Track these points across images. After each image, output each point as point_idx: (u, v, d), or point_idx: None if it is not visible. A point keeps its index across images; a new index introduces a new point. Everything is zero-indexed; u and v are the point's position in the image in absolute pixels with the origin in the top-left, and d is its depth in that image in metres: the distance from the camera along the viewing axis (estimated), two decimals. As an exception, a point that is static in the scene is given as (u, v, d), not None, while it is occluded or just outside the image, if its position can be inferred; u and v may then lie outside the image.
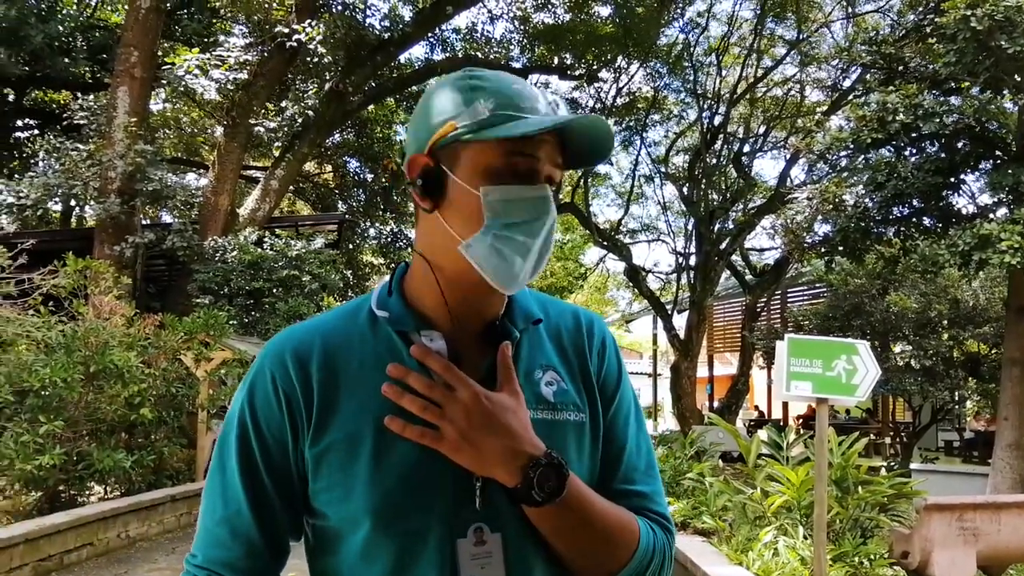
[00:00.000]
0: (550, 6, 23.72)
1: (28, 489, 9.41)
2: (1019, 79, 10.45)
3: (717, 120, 23.74)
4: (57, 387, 9.10)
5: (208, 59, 16.81)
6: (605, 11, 23.69)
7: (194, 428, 12.10)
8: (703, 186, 23.44)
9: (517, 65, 23.18)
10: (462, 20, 27.24)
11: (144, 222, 17.90)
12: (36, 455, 8.66)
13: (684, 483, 9.86)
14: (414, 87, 24.28)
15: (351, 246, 25.35)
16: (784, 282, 23.25)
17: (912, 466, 14.25)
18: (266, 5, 17.49)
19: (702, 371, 27.34)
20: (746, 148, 24.57)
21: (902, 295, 16.06)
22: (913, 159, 11.58)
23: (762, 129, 24.64)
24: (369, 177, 26.46)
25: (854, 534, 7.30)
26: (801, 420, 22.11)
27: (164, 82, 17.21)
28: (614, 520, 1.38)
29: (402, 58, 23.25)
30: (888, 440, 19.73)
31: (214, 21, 20.36)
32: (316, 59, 18.46)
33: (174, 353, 11.74)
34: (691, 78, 24.27)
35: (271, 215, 19.31)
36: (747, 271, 25.25)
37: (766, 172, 68.80)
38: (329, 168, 27.63)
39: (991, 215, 11.13)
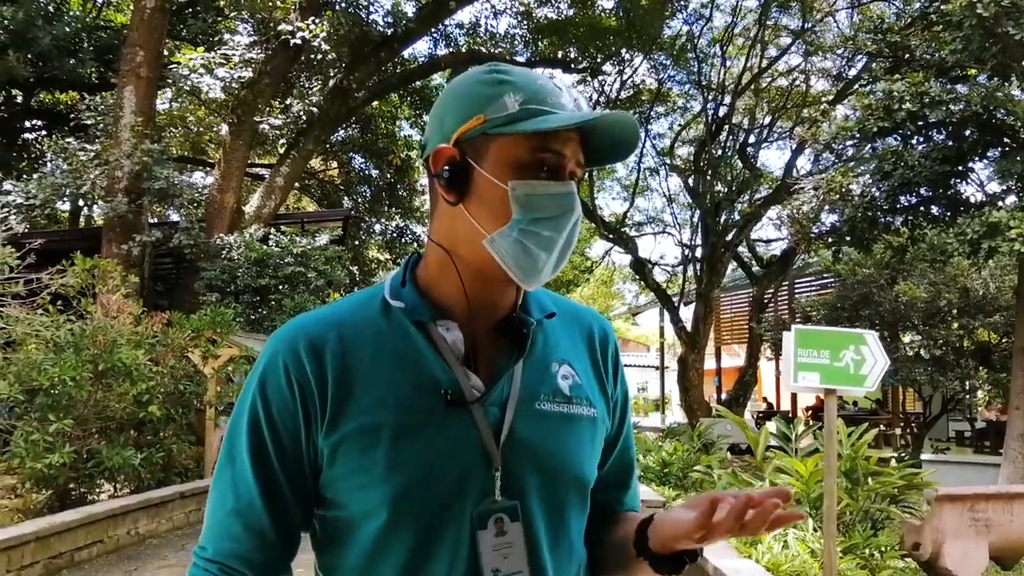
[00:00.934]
0: (553, 1, 23.68)
1: (38, 487, 9.43)
2: (1026, 66, 10.41)
3: (722, 111, 23.68)
4: (66, 385, 9.11)
5: (213, 58, 16.83)
6: (608, 3, 23.70)
7: (202, 425, 12.13)
8: (708, 177, 23.41)
9: (521, 59, 23.11)
10: (465, 15, 27.18)
11: (151, 221, 17.92)
12: (46, 453, 8.69)
13: (692, 475, 9.86)
14: (418, 83, 24.31)
15: (356, 242, 25.35)
16: (791, 273, 23.21)
17: (923, 457, 14.22)
18: (270, 3, 17.46)
19: (709, 363, 27.31)
20: (751, 139, 24.52)
21: (911, 284, 15.99)
22: (920, 148, 11.53)
23: (767, 120, 24.58)
24: (374, 173, 26.49)
25: (864, 526, 7.28)
26: (810, 412, 22.08)
27: (170, 81, 17.23)
28: None
29: (406, 54, 23.24)
30: (898, 431, 19.69)
31: (218, 20, 20.38)
32: (320, 56, 18.47)
33: (182, 351, 11.76)
34: (695, 69, 24.21)
35: (277, 212, 19.32)
36: (754, 262, 25.20)
37: (772, 163, 68.65)
38: (334, 165, 27.66)
39: (1000, 203, 11.08)
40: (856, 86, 19.02)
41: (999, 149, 11.40)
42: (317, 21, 17.27)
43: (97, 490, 9.97)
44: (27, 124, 23.68)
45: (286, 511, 1.38)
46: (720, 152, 23.85)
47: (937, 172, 10.97)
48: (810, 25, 22.42)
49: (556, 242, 1.34)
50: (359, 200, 26.93)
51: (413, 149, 26.41)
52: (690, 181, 24.78)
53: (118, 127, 15.89)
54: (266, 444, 1.37)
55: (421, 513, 1.32)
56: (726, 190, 23.67)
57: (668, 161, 27.12)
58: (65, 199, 17.20)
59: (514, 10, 23.80)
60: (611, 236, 26.07)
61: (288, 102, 18.58)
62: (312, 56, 18.55)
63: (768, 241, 27.54)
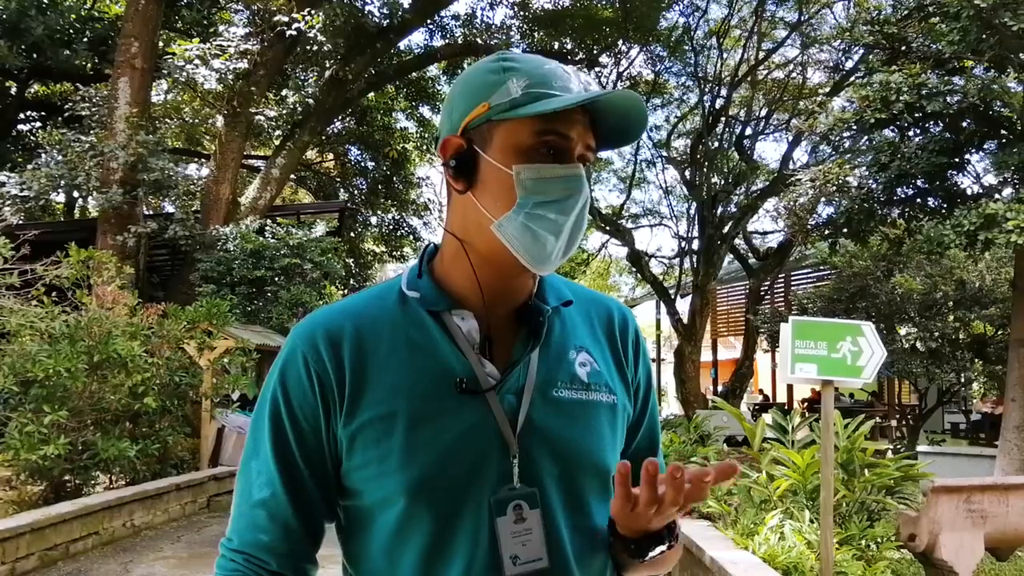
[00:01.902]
0: (549, -9, 23.66)
1: (34, 479, 9.42)
2: (1023, 57, 10.39)
3: (719, 103, 23.66)
4: (61, 377, 9.10)
5: (208, 49, 16.78)
6: (604, -6, 23.64)
7: (198, 417, 12.13)
8: (705, 170, 23.38)
9: (517, 50, 23.01)
10: (461, 6, 27.25)
11: (147, 212, 17.90)
12: (41, 445, 8.67)
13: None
14: (414, 74, 24.24)
15: (352, 234, 25.37)
16: (788, 265, 23.22)
17: (919, 448, 14.24)
18: (265, -7, 17.43)
19: (706, 355, 27.34)
20: (748, 131, 24.48)
21: (907, 277, 16.00)
22: (917, 139, 11.52)
23: (764, 111, 24.54)
24: (370, 165, 26.46)
25: (861, 517, 7.27)
26: (806, 403, 22.09)
27: (165, 72, 17.19)
28: (672, 557, 1.47)
29: (402, 45, 23.17)
30: (894, 423, 19.71)
31: (214, 11, 20.32)
32: (316, 47, 18.42)
33: (177, 342, 11.75)
34: (692, 61, 24.16)
35: (272, 204, 19.30)
36: (750, 254, 25.19)
37: (768, 155, 68.98)
38: (330, 156, 27.64)
39: (996, 195, 11.06)
40: (853, 78, 19.01)
41: (996, 141, 11.39)
42: (313, 12, 17.23)
43: (92, 482, 9.95)
44: (22, 115, 23.64)
45: (309, 502, 1.39)
46: (716, 144, 23.84)
47: (934, 164, 10.95)
48: (806, 17, 22.39)
49: (563, 225, 1.34)
50: (355, 192, 26.93)
51: (409, 141, 26.40)
52: (687, 173, 24.75)
53: (113, 118, 15.85)
54: (287, 436, 1.38)
55: (438, 501, 1.32)
56: (723, 182, 23.67)
57: (665, 153, 27.07)
58: (60, 190, 17.17)
59: (510, 1, 23.75)
60: (608, 228, 26.03)
61: (284, 93, 18.58)
62: (308, 47, 18.50)
63: (765, 233, 27.52)
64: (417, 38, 24.49)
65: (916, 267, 16.14)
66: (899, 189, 11.79)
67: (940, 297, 15.70)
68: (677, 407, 25.68)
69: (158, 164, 15.35)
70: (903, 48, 11.83)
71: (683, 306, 24.73)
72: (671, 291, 25.20)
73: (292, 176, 23.30)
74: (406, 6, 20.31)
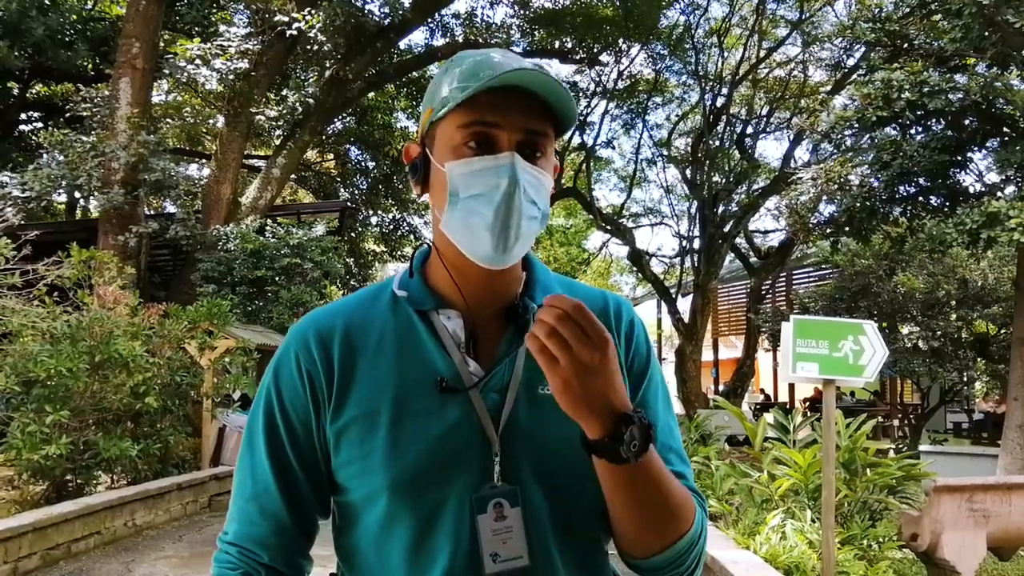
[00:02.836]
0: (550, -11, 23.65)
1: (36, 479, 9.41)
2: (1026, 55, 10.37)
3: (719, 102, 23.68)
4: (63, 377, 9.09)
5: (209, 49, 16.78)
6: (605, -7, 23.64)
7: (199, 417, 12.13)
8: (706, 168, 23.39)
9: (517, 50, 23.06)
10: (461, 5, 27.25)
11: (148, 212, 17.91)
12: (43, 445, 8.67)
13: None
14: (414, 73, 24.22)
15: (353, 234, 25.37)
16: (789, 264, 23.22)
17: (921, 448, 14.22)
18: (266, -7, 17.43)
19: (707, 355, 27.36)
20: (749, 129, 24.50)
21: (909, 275, 15.98)
22: (919, 137, 11.49)
23: (765, 110, 24.56)
24: (371, 164, 26.47)
25: (863, 517, 7.28)
26: (808, 403, 22.10)
27: (166, 72, 17.19)
28: (678, 492, 1.35)
29: (402, 44, 23.19)
30: (896, 422, 19.69)
31: (214, 11, 20.32)
32: (316, 47, 18.41)
33: (178, 342, 11.74)
34: (693, 60, 24.18)
35: (273, 203, 19.30)
36: (751, 253, 25.21)
37: (770, 153, 69.00)
38: (331, 156, 27.65)
39: (999, 193, 11.04)
40: (854, 76, 18.97)
41: (998, 139, 11.36)
42: (313, 12, 17.23)
43: (94, 482, 9.94)
44: (23, 116, 23.66)
45: (301, 497, 1.43)
46: (718, 143, 23.84)
47: (936, 162, 10.93)
48: (808, 15, 22.39)
49: (493, 219, 1.31)
50: (355, 191, 26.94)
51: (410, 140, 26.39)
52: (688, 172, 24.77)
53: (114, 119, 15.86)
54: (280, 432, 1.42)
55: (420, 498, 1.33)
56: (724, 181, 23.66)
57: (665, 152, 27.13)
58: (61, 191, 17.17)
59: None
60: (608, 228, 26.05)
61: (284, 93, 18.57)
62: (308, 47, 18.49)
63: (766, 232, 27.56)
64: (417, 37, 24.54)
65: (918, 266, 16.12)
66: (901, 187, 11.76)
67: (942, 296, 15.68)
68: (678, 407, 25.69)
69: (159, 164, 15.36)
70: (905, 45, 11.80)
71: (684, 305, 24.76)
72: (672, 290, 25.22)
73: (292, 176, 23.30)
74: (406, 5, 20.30)
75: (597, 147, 26.98)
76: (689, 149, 25.32)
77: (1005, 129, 11.20)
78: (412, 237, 27.10)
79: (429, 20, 22.67)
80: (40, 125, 22.69)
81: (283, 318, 15.15)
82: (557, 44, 24.33)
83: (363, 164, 26.80)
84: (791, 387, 24.38)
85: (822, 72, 23.42)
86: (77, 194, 19.89)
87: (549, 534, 1.36)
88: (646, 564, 1.38)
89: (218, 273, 15.54)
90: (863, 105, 11.27)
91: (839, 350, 5.78)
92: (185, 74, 16.86)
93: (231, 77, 17.33)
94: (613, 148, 28.81)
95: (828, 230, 13.40)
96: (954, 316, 15.94)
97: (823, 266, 21.18)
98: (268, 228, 16.66)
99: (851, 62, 20.55)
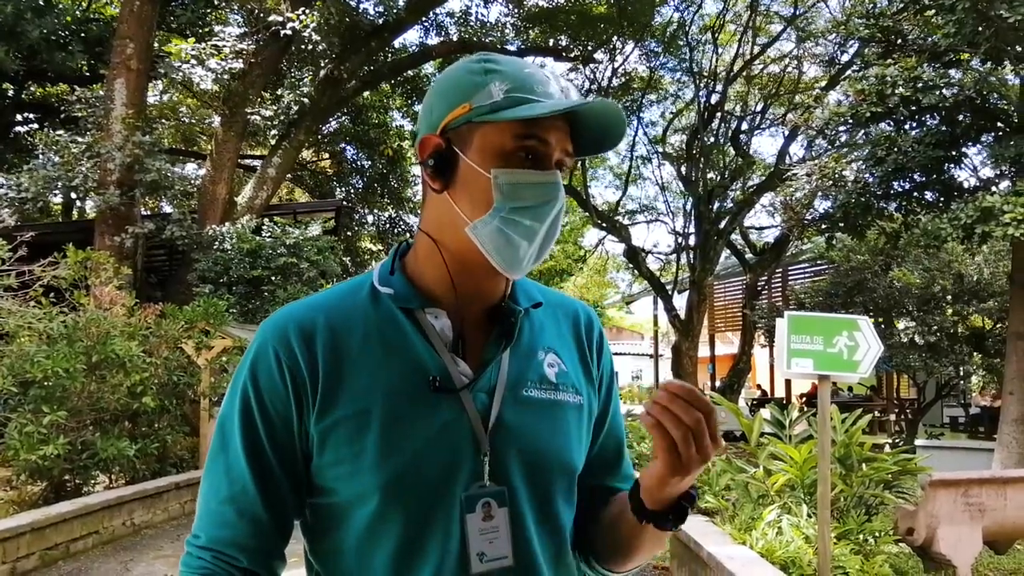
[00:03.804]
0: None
1: (34, 479, 9.43)
2: (1020, 49, 10.36)
3: (714, 98, 23.69)
4: (60, 377, 9.10)
5: (204, 49, 16.76)
6: (599, -10, 23.64)
7: (196, 416, 12.15)
8: (701, 165, 23.40)
9: (512, 48, 23.05)
10: (456, 3, 27.23)
11: (144, 213, 17.89)
12: (40, 445, 8.67)
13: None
14: (409, 72, 24.22)
15: (349, 233, 25.34)
16: (785, 260, 23.22)
17: (917, 442, 14.24)
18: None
19: (703, 351, 27.34)
20: (744, 126, 24.52)
21: (905, 271, 16.01)
22: (913, 133, 11.51)
23: (760, 106, 24.58)
24: (366, 163, 26.44)
25: (858, 511, 7.28)
26: (804, 398, 22.09)
27: (161, 72, 17.17)
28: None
29: (396, 43, 23.14)
30: (893, 417, 19.73)
31: (208, 11, 20.29)
32: (311, 46, 18.40)
33: (175, 342, 11.76)
34: (687, 57, 24.18)
35: (269, 203, 19.29)
36: (747, 250, 25.22)
37: (764, 149, 68.99)
38: (326, 155, 27.62)
39: (993, 188, 11.07)
40: (849, 71, 18.99)
41: (993, 134, 11.38)
42: (307, 11, 17.23)
43: (92, 481, 9.95)
44: (18, 117, 23.60)
45: (280, 497, 1.38)
46: (712, 139, 23.85)
47: (930, 157, 10.95)
48: (802, 11, 22.39)
49: (537, 231, 1.34)
50: (351, 190, 26.90)
51: (405, 139, 26.36)
52: (683, 169, 24.78)
53: (109, 119, 15.84)
54: (259, 431, 1.37)
55: (412, 498, 1.33)
56: (719, 177, 23.69)
57: (660, 149, 27.11)
58: (57, 192, 17.13)
59: (505, -2, 23.76)
60: (604, 225, 26.05)
61: (279, 93, 18.53)
62: (303, 46, 18.48)
63: (761, 228, 27.58)
64: (412, 36, 24.57)
65: (914, 261, 16.15)
66: (896, 183, 11.77)
67: (938, 291, 15.70)
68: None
69: (154, 165, 15.34)
70: (899, 41, 11.82)
71: (680, 302, 24.77)
72: (668, 287, 25.24)
73: (288, 175, 23.28)
74: (401, 4, 20.30)
75: (592, 145, 26.89)
76: (684, 146, 25.31)
77: (999, 124, 11.23)
78: (408, 235, 26.98)
79: (424, 19, 22.65)
80: (36, 126, 22.60)
81: (280, 316, 15.12)
82: (551, 42, 24.29)
83: (359, 163, 26.77)
84: (787, 383, 24.37)
85: (816, 68, 23.42)
86: (73, 195, 19.85)
87: (532, 534, 1.38)
88: (621, 572, 1.53)
89: (214, 273, 15.53)
90: (857, 101, 11.30)
91: (834, 346, 5.78)
92: (180, 74, 16.84)
93: (226, 77, 17.33)
94: (608, 146, 28.75)
95: (823, 226, 13.41)
96: (950, 311, 15.97)
97: (818, 262, 21.21)
98: (264, 227, 16.66)
99: (845, 58, 20.57)
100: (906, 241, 13.07)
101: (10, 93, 22.02)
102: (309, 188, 28.54)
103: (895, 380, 21.46)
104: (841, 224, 12.48)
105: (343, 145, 26.34)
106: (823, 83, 21.71)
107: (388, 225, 27.07)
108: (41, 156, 16.70)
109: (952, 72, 10.83)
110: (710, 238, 22.76)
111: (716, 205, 23.13)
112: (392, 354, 1.37)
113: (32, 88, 23.20)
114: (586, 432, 1.49)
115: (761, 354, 27.58)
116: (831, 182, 12.29)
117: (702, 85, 23.98)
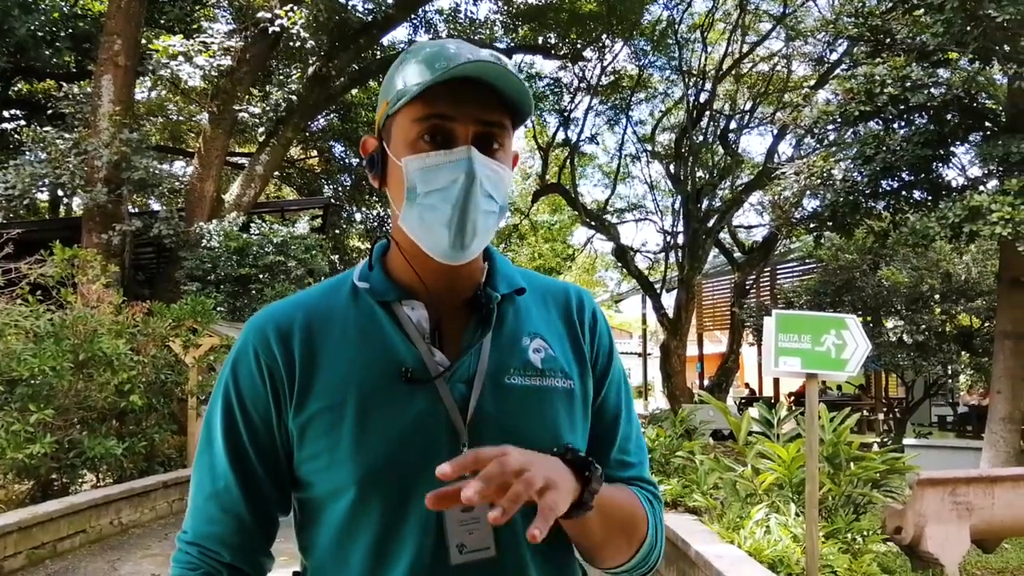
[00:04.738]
0: (533, -15, 23.63)
1: (20, 478, 9.38)
2: (1008, 49, 10.39)
3: (703, 97, 23.72)
4: (47, 376, 9.07)
5: (192, 45, 16.70)
6: (589, -12, 23.64)
7: (184, 414, 12.12)
8: (690, 164, 23.42)
9: (501, 46, 23.07)
10: (445, 1, 27.11)
11: (131, 210, 17.81)
12: (27, 444, 8.63)
13: (674, 461, 9.84)
14: (398, 70, 24.16)
15: (337, 231, 25.30)
16: (773, 259, 23.27)
17: (905, 441, 14.27)
18: (248, -11, 17.38)
19: (692, 350, 27.37)
20: (733, 124, 24.56)
21: (893, 270, 16.05)
22: (902, 132, 11.53)
23: (748, 105, 24.62)
24: (354, 161, 26.39)
25: (847, 510, 7.29)
26: (793, 397, 22.14)
27: (149, 69, 17.10)
28: (627, 506, 1.42)
29: (385, 40, 23.09)
30: (881, 416, 19.77)
31: (196, 7, 20.22)
32: (299, 43, 18.33)
33: (163, 340, 11.73)
34: (676, 55, 24.21)
35: (256, 200, 19.23)
36: (735, 248, 25.27)
37: (753, 148, 68.93)
38: (314, 153, 27.56)
39: (981, 187, 11.09)
40: (837, 70, 19.01)
41: (981, 133, 11.41)
42: (296, 8, 17.16)
43: (79, 480, 9.93)
44: (5, 114, 23.48)
45: (262, 494, 1.41)
46: (701, 138, 23.89)
47: (919, 156, 10.97)
48: (791, 10, 22.42)
49: (451, 214, 1.31)
50: (339, 188, 26.87)
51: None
52: (671, 167, 24.80)
53: (96, 116, 15.75)
54: (239, 429, 1.40)
55: (388, 490, 1.32)
56: (707, 176, 23.73)
57: (649, 148, 27.14)
58: (44, 189, 17.08)
59: (494, -5, 23.75)
60: (593, 223, 26.06)
61: (267, 90, 18.47)
62: (291, 43, 18.41)
63: (750, 227, 27.67)
64: (401, 33, 24.49)
65: (902, 260, 16.19)
66: (884, 182, 11.79)
67: (926, 290, 15.75)
68: (663, 401, 25.73)
69: (142, 162, 15.27)
70: (887, 40, 11.83)
71: (669, 300, 24.80)
72: (657, 286, 25.25)
73: (276, 173, 23.24)
74: (390, 1, 20.26)
75: (581, 143, 26.98)
76: (673, 145, 25.32)
77: (987, 123, 11.26)
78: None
79: (412, 16, 22.63)
80: (23, 123, 22.51)
81: (267, 314, 15.10)
82: (540, 40, 24.31)
83: (347, 161, 26.71)
84: (776, 381, 24.42)
85: (805, 67, 23.45)
86: (60, 192, 19.79)
87: (519, 526, 1.34)
88: (619, 571, 1.47)
89: (202, 271, 15.48)
90: (846, 100, 11.31)
91: (821, 344, 5.78)
92: (168, 71, 16.78)
93: (214, 74, 17.26)
94: (597, 144, 28.81)
95: (811, 225, 13.43)
96: (938, 310, 16.02)
97: (807, 261, 21.24)
98: (252, 225, 16.61)
99: (834, 57, 20.58)
100: (894, 240, 13.09)
101: (-3, 90, 21.92)
102: (297, 186, 28.49)
103: (883, 379, 21.52)
104: (829, 223, 12.50)
105: (331, 143, 26.29)
106: (812, 82, 21.72)
107: (376, 223, 27.02)
108: (28, 153, 16.64)
109: (940, 71, 10.85)
110: (698, 237, 22.77)
111: (705, 204, 23.15)
112: (368, 347, 1.37)
113: (19, 84, 23.07)
114: (581, 416, 1.46)
115: (749, 353, 27.65)
116: (819, 181, 12.30)
117: (691, 83, 24.01)
